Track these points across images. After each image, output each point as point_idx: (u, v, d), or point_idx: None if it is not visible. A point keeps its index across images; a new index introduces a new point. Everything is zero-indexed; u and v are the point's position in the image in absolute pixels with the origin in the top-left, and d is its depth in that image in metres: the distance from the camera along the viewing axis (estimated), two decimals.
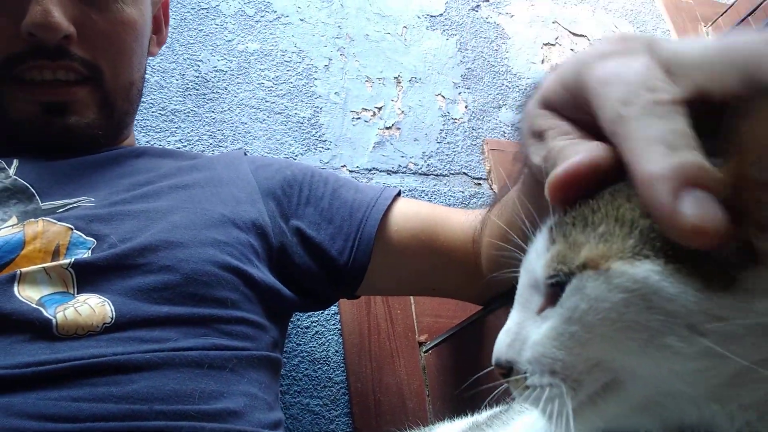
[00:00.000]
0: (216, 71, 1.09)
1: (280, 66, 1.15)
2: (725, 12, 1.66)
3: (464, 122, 1.23)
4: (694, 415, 0.28)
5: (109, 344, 0.47)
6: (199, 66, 1.09)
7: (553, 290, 0.30)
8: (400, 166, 1.12)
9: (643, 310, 0.26)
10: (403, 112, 1.20)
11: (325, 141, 1.10)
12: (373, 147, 1.13)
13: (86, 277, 0.50)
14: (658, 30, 1.63)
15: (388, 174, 1.11)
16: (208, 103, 1.05)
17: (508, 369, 0.31)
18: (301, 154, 1.07)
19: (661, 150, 0.25)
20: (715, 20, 1.67)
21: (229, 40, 1.14)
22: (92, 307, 0.48)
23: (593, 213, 0.30)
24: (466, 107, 1.26)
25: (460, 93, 1.27)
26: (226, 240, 0.58)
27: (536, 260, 0.32)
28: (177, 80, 1.05)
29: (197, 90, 1.06)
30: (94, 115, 0.65)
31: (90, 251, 0.53)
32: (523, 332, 0.31)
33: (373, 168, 1.11)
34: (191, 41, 1.10)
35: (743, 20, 1.30)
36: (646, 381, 0.28)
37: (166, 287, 0.52)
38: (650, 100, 0.26)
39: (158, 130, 0.99)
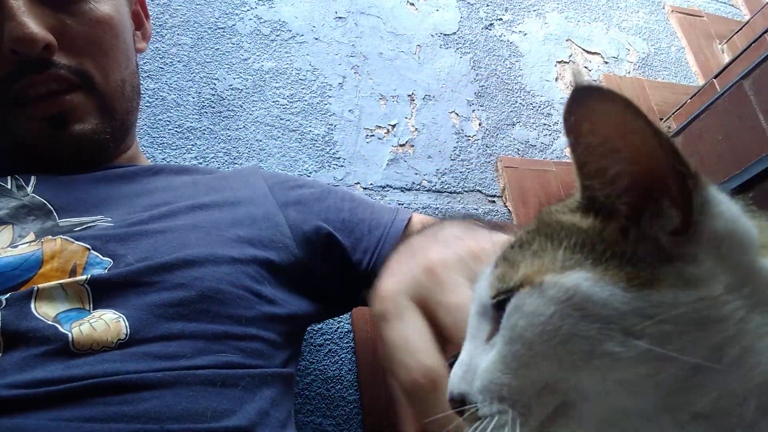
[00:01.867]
0: (232, 89, 1.10)
1: (294, 84, 1.16)
2: (740, 29, 1.65)
3: (478, 139, 1.23)
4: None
5: (123, 360, 0.47)
6: (215, 84, 1.10)
7: (498, 314, 0.30)
8: (413, 183, 1.12)
9: (579, 319, 0.27)
10: (416, 129, 1.20)
11: (339, 158, 1.10)
12: (387, 164, 1.13)
13: (102, 293, 0.50)
14: (672, 47, 1.62)
15: (402, 191, 1.11)
16: (223, 120, 1.06)
17: (460, 402, 0.31)
18: (315, 171, 1.07)
19: None
20: (730, 38, 1.66)
21: (245, 59, 1.15)
22: (107, 322, 0.48)
23: (527, 233, 0.31)
24: (480, 124, 1.26)
25: (473, 110, 1.27)
26: (242, 258, 0.58)
27: (484, 285, 0.32)
28: (193, 98, 1.07)
29: (213, 108, 1.07)
30: (96, 120, 0.65)
31: (106, 271, 0.53)
32: (474, 362, 0.31)
33: (387, 185, 1.10)
34: (207, 60, 1.12)
35: (759, 38, 1.29)
36: (595, 399, 0.27)
37: (181, 303, 0.51)
38: None
39: (174, 147, 1.00)
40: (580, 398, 0.28)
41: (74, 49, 0.62)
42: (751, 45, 1.31)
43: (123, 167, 0.68)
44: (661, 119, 1.41)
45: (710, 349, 0.26)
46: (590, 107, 0.28)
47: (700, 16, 1.75)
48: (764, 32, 1.33)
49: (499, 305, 0.30)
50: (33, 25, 0.58)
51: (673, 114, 1.38)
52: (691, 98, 1.35)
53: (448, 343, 0.40)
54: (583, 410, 0.28)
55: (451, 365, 0.34)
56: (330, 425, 0.82)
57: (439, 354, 0.37)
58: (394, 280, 0.41)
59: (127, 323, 0.49)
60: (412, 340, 0.37)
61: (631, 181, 0.28)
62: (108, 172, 0.65)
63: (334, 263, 0.68)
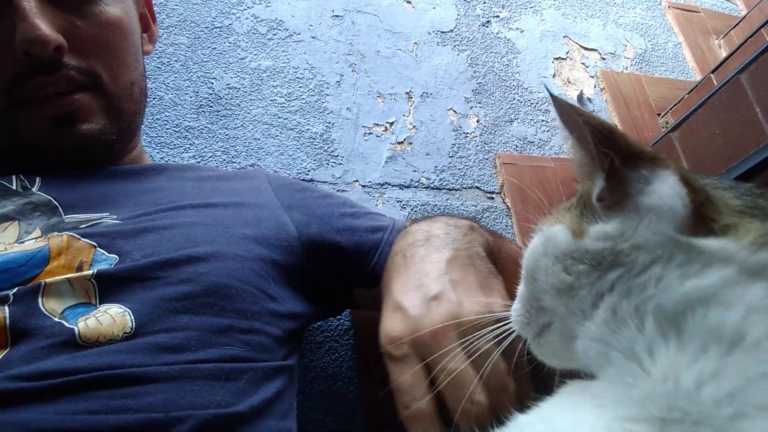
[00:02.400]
0: (229, 88, 1.10)
1: (292, 83, 1.16)
2: (737, 24, 1.66)
3: (476, 136, 1.23)
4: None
5: (128, 353, 0.47)
6: (212, 83, 1.10)
7: None
8: (412, 180, 1.12)
9: (545, 256, 0.39)
10: (414, 126, 1.20)
11: (337, 156, 1.10)
12: (385, 162, 1.13)
13: (108, 288, 0.50)
14: (669, 43, 1.62)
15: (401, 188, 1.11)
16: (221, 119, 1.06)
17: None
18: (314, 169, 1.07)
19: None
20: (727, 33, 1.67)
21: (242, 58, 1.15)
22: (113, 316, 0.49)
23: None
24: (477, 121, 1.26)
25: (471, 107, 1.27)
26: (247, 256, 0.59)
27: None
28: (191, 97, 1.07)
29: (211, 107, 1.07)
30: (104, 120, 0.65)
31: (112, 267, 0.53)
32: None
33: (386, 183, 1.11)
34: (205, 59, 1.12)
35: (755, 33, 1.29)
36: (563, 320, 0.39)
37: (186, 297, 0.52)
38: None
39: (172, 147, 1.00)
40: (554, 317, 0.40)
41: (84, 51, 0.63)
42: (747, 40, 1.31)
43: (128, 165, 0.68)
44: (659, 114, 1.41)
45: (609, 283, 0.36)
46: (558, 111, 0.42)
47: (697, 12, 1.75)
48: (761, 27, 1.33)
49: None
50: (45, 26, 0.58)
51: (671, 109, 1.38)
52: (688, 93, 1.35)
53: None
54: (555, 326, 0.41)
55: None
56: (332, 422, 0.82)
57: (431, 399, 0.49)
58: (402, 328, 0.53)
59: (132, 317, 0.49)
60: (414, 386, 0.49)
61: (585, 166, 0.40)
62: (113, 169, 0.65)
63: (335, 266, 0.69)
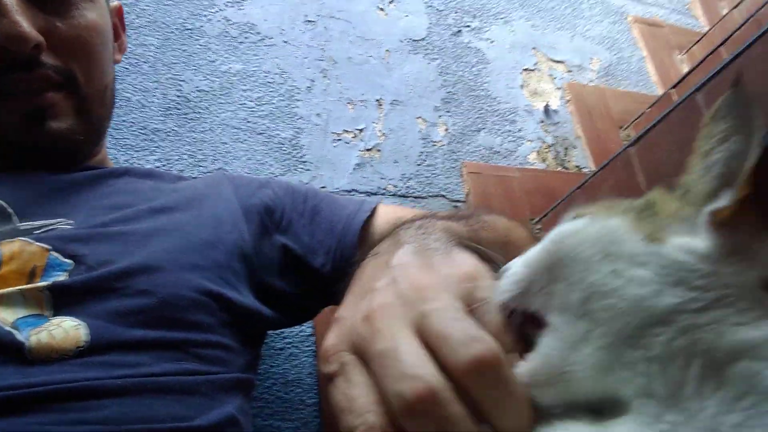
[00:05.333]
0: (198, 91, 1.10)
1: (262, 87, 1.16)
2: (698, 41, 1.71)
3: (444, 145, 1.25)
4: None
5: (82, 368, 0.47)
6: (181, 86, 1.09)
7: None
8: (379, 188, 1.14)
9: (593, 247, 0.34)
10: (384, 134, 1.21)
11: (305, 162, 1.11)
12: (354, 168, 1.14)
13: (62, 299, 0.50)
14: (633, 57, 1.67)
15: (368, 196, 1.12)
16: (189, 122, 1.06)
17: None
18: (281, 174, 1.08)
19: None
20: (689, 49, 1.72)
21: (212, 61, 1.15)
22: (66, 330, 0.48)
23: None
24: (446, 130, 1.28)
25: (440, 116, 1.29)
26: (205, 264, 0.59)
27: (569, 214, 0.40)
28: (158, 99, 1.06)
29: (179, 109, 1.07)
30: (73, 120, 0.66)
31: (67, 274, 0.53)
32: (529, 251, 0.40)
33: (353, 189, 1.12)
34: (174, 61, 1.11)
35: (714, 50, 1.34)
36: (568, 317, 0.34)
37: (142, 311, 0.52)
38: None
39: (138, 149, 1.00)
40: (557, 316, 0.34)
41: (61, 51, 0.64)
42: (706, 57, 1.36)
43: (86, 171, 0.68)
44: (621, 127, 1.45)
45: (666, 308, 0.31)
46: (737, 105, 0.34)
47: (661, 27, 1.80)
48: (719, 45, 1.38)
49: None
50: (25, 24, 0.59)
51: (632, 123, 1.42)
52: (649, 108, 1.39)
53: None
54: (557, 323, 0.34)
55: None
56: (289, 429, 0.83)
57: (384, 405, 0.33)
58: (336, 335, 0.39)
59: (87, 331, 0.49)
60: (356, 399, 0.34)
61: (724, 169, 0.34)
62: (70, 176, 0.65)
63: (292, 274, 0.69)
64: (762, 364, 0.30)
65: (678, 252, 0.32)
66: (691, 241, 0.33)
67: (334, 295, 0.69)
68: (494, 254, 0.45)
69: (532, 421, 0.33)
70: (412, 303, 0.36)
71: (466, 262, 0.41)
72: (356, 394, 0.34)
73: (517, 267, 0.38)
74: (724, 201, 0.33)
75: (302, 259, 0.69)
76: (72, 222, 0.58)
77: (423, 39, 1.40)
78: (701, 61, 1.35)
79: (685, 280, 0.31)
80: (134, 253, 0.55)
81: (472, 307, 0.36)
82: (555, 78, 1.50)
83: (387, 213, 0.75)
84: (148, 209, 0.62)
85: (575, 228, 0.35)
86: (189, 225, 0.61)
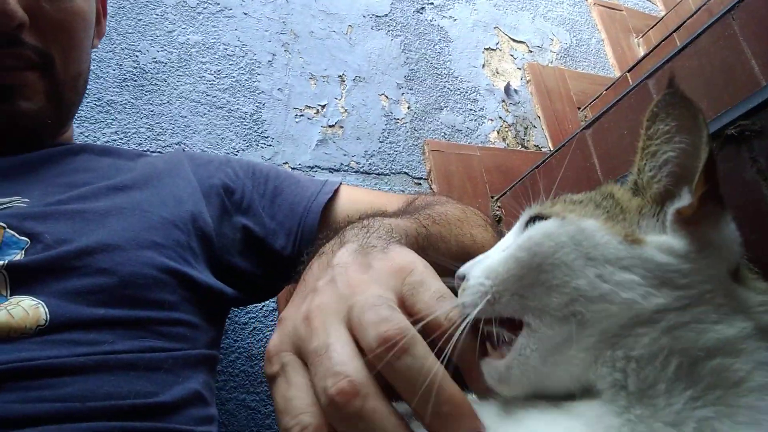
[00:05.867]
0: (155, 62, 1.07)
1: (222, 60, 1.14)
2: (654, 25, 1.76)
3: (406, 122, 1.26)
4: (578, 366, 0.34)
5: (42, 347, 0.46)
6: (137, 56, 1.06)
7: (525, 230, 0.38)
8: (342, 164, 1.14)
9: (575, 252, 0.34)
10: (346, 110, 1.21)
11: (267, 137, 1.10)
12: (316, 145, 1.14)
13: (20, 279, 0.49)
14: (592, 39, 1.70)
15: (330, 172, 1.12)
16: (146, 95, 1.03)
17: (461, 279, 0.40)
18: (243, 149, 1.07)
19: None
20: (645, 33, 1.77)
21: (170, 31, 1.11)
22: (25, 309, 0.48)
23: (583, 195, 0.40)
24: (408, 108, 1.29)
25: (403, 94, 1.30)
26: (164, 242, 0.58)
27: (531, 210, 0.40)
28: (114, 70, 1.03)
29: (135, 81, 1.04)
30: (43, 103, 0.65)
31: (23, 252, 0.52)
32: (488, 258, 0.40)
33: (315, 166, 1.12)
34: (129, 30, 1.08)
35: (669, 36, 1.38)
36: (547, 323, 0.34)
37: (102, 290, 0.51)
38: None
39: (93, 122, 0.97)
40: (534, 318, 0.35)
41: (44, 33, 0.63)
42: (661, 42, 1.40)
43: (42, 151, 0.66)
44: (579, 108, 1.49)
45: (654, 309, 0.32)
46: (676, 105, 0.36)
47: (620, 10, 1.84)
48: (674, 31, 1.42)
49: (530, 220, 0.39)
50: (12, 1, 0.59)
51: (589, 104, 1.46)
52: (605, 90, 1.43)
53: None
54: (536, 326, 0.35)
55: None
56: (253, 401, 0.84)
57: (320, 410, 0.34)
58: (278, 336, 0.40)
59: (46, 309, 0.48)
60: (292, 399, 0.35)
61: (674, 168, 0.36)
62: (27, 155, 0.64)
63: (253, 254, 0.69)
64: (732, 359, 0.31)
65: (659, 254, 0.33)
66: (667, 241, 0.34)
67: (296, 275, 0.70)
68: (443, 259, 0.47)
69: (454, 402, 0.33)
70: (345, 299, 0.37)
71: (401, 257, 0.41)
72: (292, 395, 0.35)
73: (479, 279, 0.37)
74: (686, 199, 0.35)
75: (263, 241, 0.69)
76: (27, 200, 0.56)
77: (386, 15, 1.39)
78: (655, 46, 1.39)
79: (670, 281, 0.33)
80: (92, 232, 0.54)
81: (404, 295, 0.38)
82: (516, 58, 1.52)
83: (349, 194, 0.75)
84: (105, 187, 0.61)
85: (548, 232, 0.35)
86: (147, 203, 0.61)
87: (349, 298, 0.37)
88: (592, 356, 0.33)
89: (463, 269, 0.40)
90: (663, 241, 0.34)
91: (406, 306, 0.37)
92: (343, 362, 0.33)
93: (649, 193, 0.37)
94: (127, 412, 0.47)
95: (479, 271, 0.38)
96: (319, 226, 0.70)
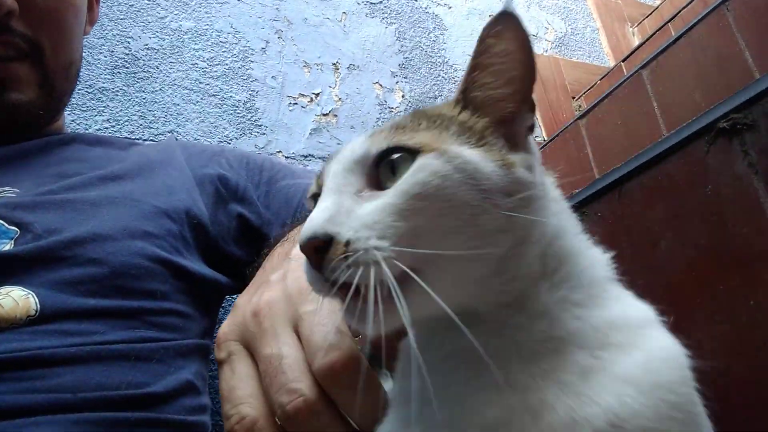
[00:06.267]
0: (147, 49, 1.06)
1: (215, 47, 1.13)
2: (649, 15, 1.75)
3: (401, 112, 1.26)
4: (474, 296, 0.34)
5: (33, 337, 0.46)
6: (129, 43, 1.05)
7: (376, 171, 0.34)
8: None
9: (471, 188, 0.32)
10: (340, 99, 1.20)
11: (260, 126, 1.09)
12: (310, 133, 1.13)
13: (10, 269, 0.49)
14: (587, 28, 1.70)
15: (324, 161, 1.12)
16: (138, 82, 1.02)
17: (326, 242, 0.31)
18: (236, 138, 1.06)
19: None
20: (640, 22, 1.76)
21: (162, 17, 1.10)
22: (15, 299, 0.48)
23: (404, 119, 0.38)
24: (402, 96, 1.28)
25: (397, 82, 1.29)
26: (156, 232, 0.58)
27: (360, 145, 0.36)
28: (105, 57, 1.02)
29: (127, 68, 1.03)
30: (34, 93, 0.65)
31: (13, 241, 0.51)
32: (344, 210, 0.33)
33: (309, 155, 1.11)
34: (121, 16, 1.06)
35: (663, 26, 1.38)
36: (449, 267, 0.32)
37: (94, 280, 0.51)
38: None
39: (84, 109, 0.96)
40: (433, 265, 0.32)
41: (34, 21, 0.63)
42: (655, 33, 1.40)
43: (35, 140, 0.66)
44: (573, 98, 1.49)
45: (533, 227, 0.34)
46: (514, 25, 0.36)
47: None
48: (668, 21, 1.42)
49: (379, 162, 0.34)
50: None
51: (583, 94, 1.46)
52: (600, 79, 1.43)
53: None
54: (429, 277, 0.31)
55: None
56: None
57: (262, 398, 0.37)
58: (229, 324, 0.42)
59: (37, 300, 0.48)
60: (234, 389, 0.38)
61: (518, 87, 0.37)
62: (18, 145, 0.63)
63: (249, 243, 0.69)
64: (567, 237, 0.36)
65: (524, 172, 0.34)
66: (526, 158, 0.36)
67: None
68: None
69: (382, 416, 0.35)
70: (294, 304, 0.39)
71: None
72: (235, 384, 0.38)
73: (370, 241, 0.32)
74: (529, 120, 0.37)
75: (259, 230, 0.69)
76: (18, 190, 0.56)
77: (381, 2, 1.38)
78: (650, 36, 1.38)
79: (532, 197, 0.34)
80: (83, 222, 0.54)
81: None
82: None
83: None
84: (96, 177, 0.60)
85: (436, 170, 0.32)
86: (139, 193, 0.61)
87: (297, 305, 0.39)
88: (481, 285, 0.33)
89: (320, 229, 0.32)
90: (522, 158, 0.35)
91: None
92: (297, 379, 0.36)
93: (493, 113, 0.37)
94: (119, 402, 0.47)
95: (360, 228, 0.31)
96: None
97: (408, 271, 0.30)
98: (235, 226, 0.68)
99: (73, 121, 0.94)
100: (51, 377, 0.45)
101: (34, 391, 0.44)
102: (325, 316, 0.37)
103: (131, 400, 0.48)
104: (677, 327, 0.34)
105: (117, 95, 1.00)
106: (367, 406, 0.35)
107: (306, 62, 1.21)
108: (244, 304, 0.42)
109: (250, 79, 1.13)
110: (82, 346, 0.48)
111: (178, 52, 1.09)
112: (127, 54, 1.04)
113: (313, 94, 1.18)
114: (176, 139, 0.96)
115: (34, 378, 0.44)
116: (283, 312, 0.39)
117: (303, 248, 0.32)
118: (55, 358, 0.46)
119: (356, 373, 0.35)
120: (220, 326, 0.82)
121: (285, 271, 0.42)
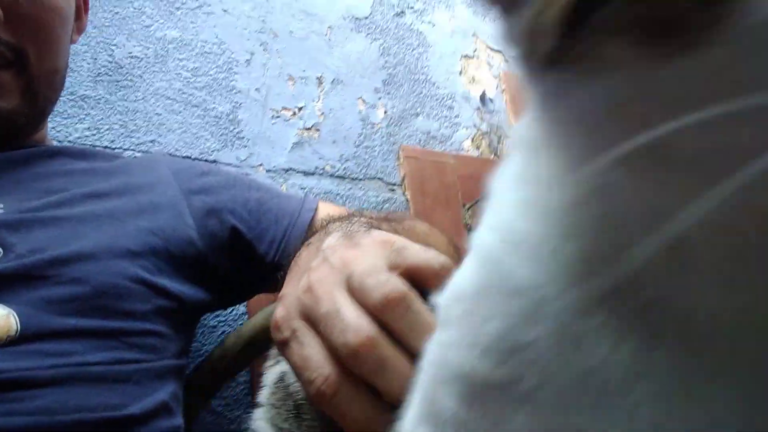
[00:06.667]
0: (131, 57, 1.06)
1: (199, 57, 1.13)
2: None
3: (382, 127, 1.27)
4: None
5: (13, 357, 0.46)
6: (113, 51, 1.04)
7: None
8: (317, 168, 1.14)
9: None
10: (323, 113, 1.21)
11: (242, 138, 1.10)
12: (292, 147, 1.14)
13: None
14: None
15: (305, 175, 1.13)
16: (120, 90, 1.02)
17: None
18: (218, 150, 1.06)
19: None
20: None
21: (147, 26, 1.10)
22: None
23: None
24: (385, 112, 1.29)
25: (380, 98, 1.31)
26: (141, 251, 0.59)
27: None
28: (88, 64, 1.01)
29: (110, 76, 1.02)
30: (17, 101, 0.64)
31: None
32: None
33: (290, 168, 1.12)
34: (106, 24, 1.06)
35: None
36: None
37: (75, 299, 0.51)
38: None
39: (65, 116, 0.95)
40: None
41: (18, 28, 0.62)
42: None
43: (19, 151, 0.65)
44: None
45: None
46: None
47: None
48: None
49: None
50: None
51: None
52: None
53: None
54: None
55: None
56: (219, 406, 0.85)
57: (334, 363, 0.39)
58: (284, 307, 0.44)
59: (17, 319, 0.48)
60: (309, 358, 0.39)
61: None
62: (2, 155, 0.63)
63: (238, 257, 0.70)
64: None
65: None
66: None
67: (272, 283, 0.71)
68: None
69: None
70: (341, 271, 0.42)
71: (383, 235, 0.46)
72: (308, 353, 0.40)
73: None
74: None
75: (250, 243, 0.70)
76: (1, 205, 0.56)
77: (366, 18, 1.39)
78: None
79: None
80: (67, 241, 0.54)
81: (392, 260, 0.41)
82: (492, 66, 1.54)
83: (326, 210, 0.77)
84: (81, 195, 0.60)
85: None
86: (123, 212, 0.61)
87: (345, 270, 0.41)
88: None
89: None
90: None
91: (396, 267, 0.41)
92: (355, 320, 0.38)
93: None
94: (96, 424, 0.47)
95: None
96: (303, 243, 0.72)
97: None
98: (227, 237, 0.69)
99: (53, 128, 0.93)
100: (29, 399, 0.45)
101: (12, 413, 0.44)
102: (371, 266, 0.40)
103: (108, 422, 0.48)
104: None
105: (99, 103, 0.99)
106: (428, 331, 0.35)
107: (290, 75, 1.22)
108: (292, 290, 0.44)
109: (234, 91, 1.13)
110: (62, 367, 0.48)
111: (162, 61, 1.08)
112: (111, 62, 1.03)
113: (297, 107, 1.19)
114: (163, 154, 0.96)
115: (12, 401, 0.44)
116: (333, 280, 0.41)
117: None
118: (35, 380, 0.46)
119: (410, 302, 0.37)
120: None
121: (324, 256, 0.44)
